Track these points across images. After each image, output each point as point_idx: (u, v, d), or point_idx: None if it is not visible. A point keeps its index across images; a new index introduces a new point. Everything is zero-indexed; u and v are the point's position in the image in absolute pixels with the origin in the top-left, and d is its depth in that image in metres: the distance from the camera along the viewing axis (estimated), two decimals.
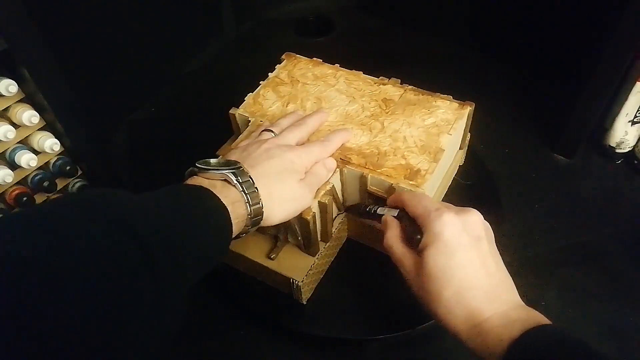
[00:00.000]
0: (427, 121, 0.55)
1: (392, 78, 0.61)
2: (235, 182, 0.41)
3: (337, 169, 0.51)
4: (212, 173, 0.41)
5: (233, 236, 0.40)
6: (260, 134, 0.51)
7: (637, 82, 0.62)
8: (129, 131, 0.80)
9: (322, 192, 0.49)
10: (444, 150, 0.52)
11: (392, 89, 0.59)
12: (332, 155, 0.52)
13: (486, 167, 0.68)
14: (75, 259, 0.28)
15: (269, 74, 0.63)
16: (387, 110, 0.57)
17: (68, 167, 0.60)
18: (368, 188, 0.51)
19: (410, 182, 0.49)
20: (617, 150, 0.70)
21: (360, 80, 0.61)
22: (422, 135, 0.54)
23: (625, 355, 0.53)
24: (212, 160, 0.43)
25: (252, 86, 0.61)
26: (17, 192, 0.56)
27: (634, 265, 0.60)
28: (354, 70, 0.63)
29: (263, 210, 0.42)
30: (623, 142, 0.69)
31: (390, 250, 0.44)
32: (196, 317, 0.57)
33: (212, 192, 0.39)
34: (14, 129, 0.53)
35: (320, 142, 0.51)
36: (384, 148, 0.53)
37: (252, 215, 0.42)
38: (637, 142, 0.69)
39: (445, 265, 0.39)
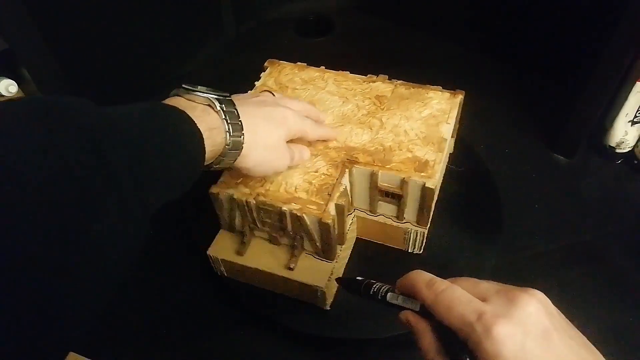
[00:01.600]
0: (424, 113, 0.56)
1: (380, 75, 0.61)
2: (219, 108, 0.40)
3: (346, 170, 0.51)
4: (196, 95, 0.40)
5: (206, 163, 0.39)
6: (261, 92, 0.52)
7: (637, 82, 0.62)
8: None
9: (337, 194, 0.49)
10: (446, 139, 0.53)
11: (382, 86, 0.59)
12: (337, 157, 0.52)
13: (486, 167, 0.68)
14: (30, 164, 0.26)
15: (255, 83, 0.62)
16: (382, 107, 0.57)
17: None
18: (379, 185, 0.51)
19: (422, 174, 0.49)
20: (617, 150, 0.70)
21: (349, 80, 0.61)
22: (422, 127, 0.54)
23: (625, 355, 0.53)
24: (201, 87, 0.41)
25: (252, 86, 0.61)
26: None
27: (634, 265, 0.60)
28: (340, 71, 0.62)
29: (243, 144, 0.41)
30: (623, 142, 0.69)
31: None
32: (197, 317, 0.57)
33: (188, 115, 0.37)
34: None
35: (315, 121, 0.52)
36: (388, 144, 0.53)
37: (230, 147, 0.40)
38: (637, 142, 0.69)
39: None
